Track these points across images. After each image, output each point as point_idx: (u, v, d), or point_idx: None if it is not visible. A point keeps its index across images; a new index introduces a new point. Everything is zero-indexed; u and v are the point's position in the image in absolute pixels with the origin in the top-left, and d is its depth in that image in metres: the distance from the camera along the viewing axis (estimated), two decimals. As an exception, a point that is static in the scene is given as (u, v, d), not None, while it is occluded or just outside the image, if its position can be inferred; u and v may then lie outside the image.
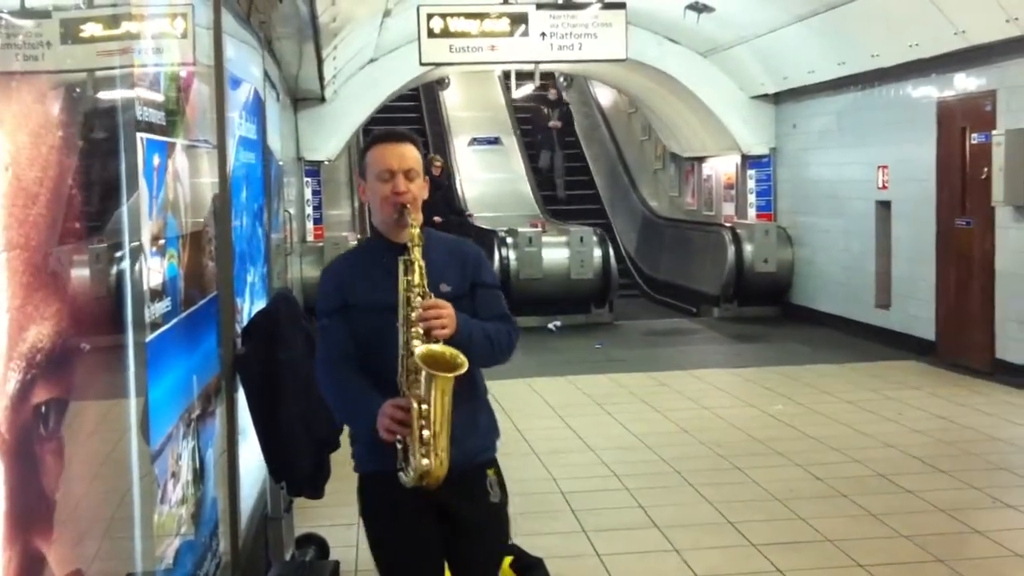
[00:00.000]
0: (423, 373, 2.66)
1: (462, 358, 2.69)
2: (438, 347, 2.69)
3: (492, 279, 3.07)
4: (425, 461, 2.68)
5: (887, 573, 4.64)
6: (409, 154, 2.92)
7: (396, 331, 2.78)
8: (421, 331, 2.71)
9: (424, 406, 2.67)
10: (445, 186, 16.02)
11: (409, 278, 2.76)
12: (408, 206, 2.85)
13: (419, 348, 2.67)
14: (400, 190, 2.87)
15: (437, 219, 15.11)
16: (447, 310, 2.74)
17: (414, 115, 18.80)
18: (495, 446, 3.05)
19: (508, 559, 3.39)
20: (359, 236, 13.09)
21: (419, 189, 2.91)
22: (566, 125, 18.36)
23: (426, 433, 2.67)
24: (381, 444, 2.79)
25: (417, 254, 2.77)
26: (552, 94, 17.69)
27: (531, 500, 5.64)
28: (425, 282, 2.76)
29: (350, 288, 2.93)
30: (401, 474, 2.74)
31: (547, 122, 17.53)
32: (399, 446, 2.73)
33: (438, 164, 15.32)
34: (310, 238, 12.75)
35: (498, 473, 3.02)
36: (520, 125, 18.07)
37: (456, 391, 2.72)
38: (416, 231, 2.80)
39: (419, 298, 2.74)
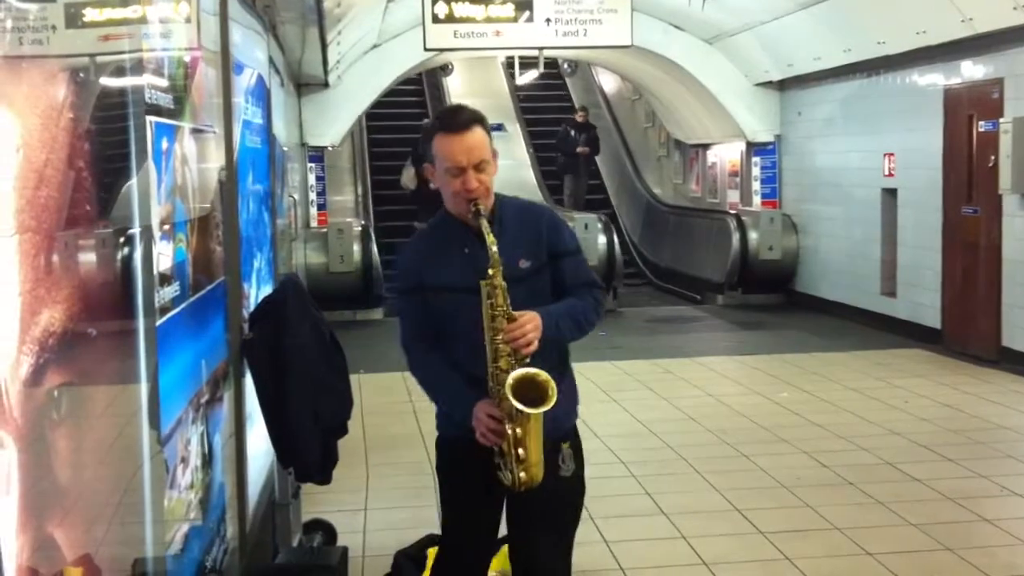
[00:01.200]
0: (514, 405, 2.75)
1: (551, 385, 2.76)
2: (529, 371, 2.77)
3: (572, 243, 3.09)
4: (523, 475, 2.84)
5: (895, 561, 4.63)
6: (477, 144, 2.89)
7: (470, 311, 2.85)
8: (507, 351, 2.80)
9: (518, 431, 2.79)
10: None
11: (492, 302, 2.82)
12: (480, 200, 2.87)
13: (509, 378, 2.75)
14: (471, 187, 2.87)
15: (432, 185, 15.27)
16: (531, 325, 2.80)
17: (417, 99, 18.76)
18: (575, 413, 3.14)
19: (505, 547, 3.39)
20: (363, 222, 13.06)
21: (491, 176, 2.92)
22: (593, 151, 16.86)
23: (521, 452, 2.80)
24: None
25: (499, 280, 2.80)
26: (580, 117, 16.66)
27: (537, 487, 5.63)
28: (508, 303, 2.81)
29: (426, 269, 2.98)
30: (499, 474, 2.87)
31: (575, 147, 16.34)
32: (496, 450, 2.87)
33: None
34: (314, 224, 12.73)
35: (573, 446, 3.09)
36: (537, 151, 17.49)
37: (555, 367, 2.88)
38: (495, 251, 2.81)
39: (504, 320, 2.80)
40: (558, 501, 3.06)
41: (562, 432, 3.04)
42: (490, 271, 2.81)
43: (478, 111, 3.00)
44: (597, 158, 17.72)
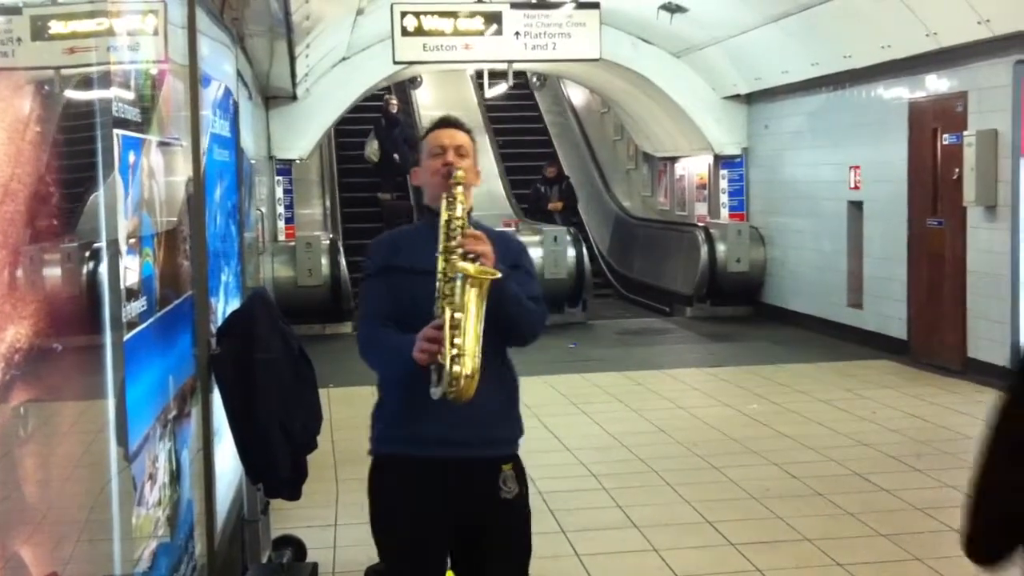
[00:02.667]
0: (457, 282, 2.68)
1: (494, 270, 2.71)
2: (478, 266, 2.71)
3: (532, 268, 3.12)
4: (456, 368, 2.63)
5: (866, 572, 4.65)
6: (459, 135, 3.03)
7: (433, 291, 2.78)
8: (459, 255, 2.74)
9: (457, 314, 2.67)
10: (403, 122, 16.50)
11: (451, 212, 2.81)
12: (452, 167, 2.92)
13: (459, 263, 2.70)
14: (450, 158, 2.96)
15: (396, 156, 15.78)
16: (488, 245, 2.77)
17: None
18: (517, 439, 3.03)
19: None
20: (331, 236, 13.02)
21: (470, 168, 2.97)
22: (569, 203, 15.16)
23: (457, 340, 2.65)
24: (399, 425, 2.89)
25: (460, 191, 2.84)
26: (550, 172, 15.03)
27: (508, 500, 5.61)
28: (467, 218, 2.83)
29: (395, 251, 3.00)
30: (433, 389, 2.70)
31: (546, 203, 14.76)
32: (432, 369, 2.71)
33: (394, 102, 15.99)
34: (281, 237, 12.67)
35: (516, 470, 2.98)
36: (506, 164, 17.01)
37: (494, 374, 2.81)
38: (461, 172, 2.88)
39: (459, 231, 2.79)
40: (507, 532, 2.97)
41: (503, 454, 2.96)
42: (452, 183, 2.84)
43: (464, 122, 3.15)
44: (565, 171, 16.71)
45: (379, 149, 16.21)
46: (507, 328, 2.87)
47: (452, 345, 2.65)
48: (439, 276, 2.76)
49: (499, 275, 2.70)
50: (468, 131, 3.09)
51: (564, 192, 15.08)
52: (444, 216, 2.81)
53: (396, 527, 2.97)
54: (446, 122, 3.10)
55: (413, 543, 2.95)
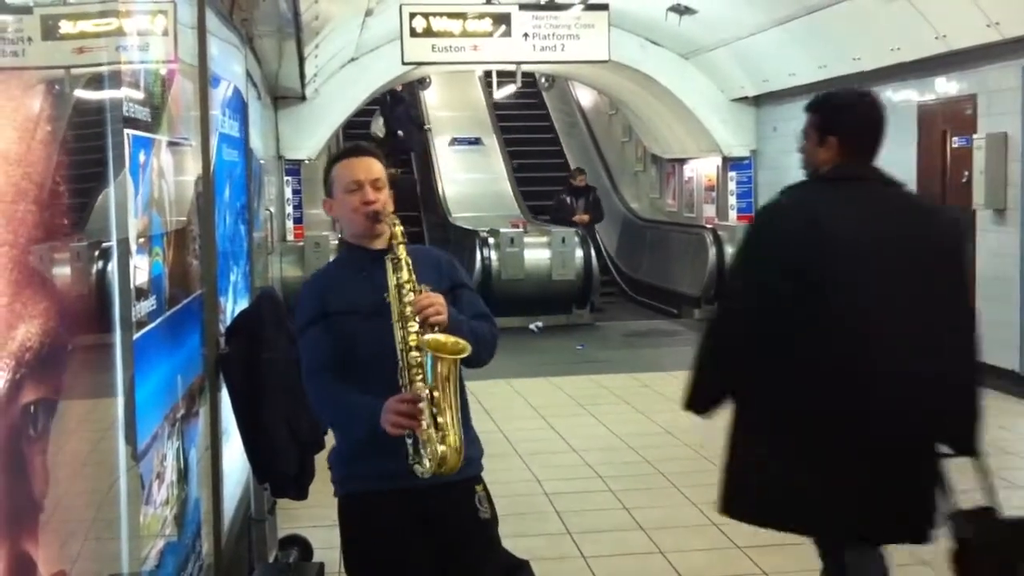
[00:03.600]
0: (429, 360, 2.63)
1: (464, 342, 2.66)
2: (440, 336, 2.66)
3: (469, 280, 3.07)
4: (442, 448, 2.60)
5: (871, 575, 4.63)
6: (374, 166, 2.93)
7: (379, 333, 2.74)
8: (417, 324, 2.68)
9: (435, 393, 2.62)
10: (406, 100, 16.61)
11: (399, 275, 2.74)
12: (380, 212, 2.85)
13: (424, 336, 2.64)
14: (369, 199, 2.86)
15: (400, 133, 16.12)
16: (440, 299, 2.72)
17: (402, 155, 18.73)
18: (480, 462, 2.98)
19: None
20: (339, 235, 13.04)
21: (387, 199, 2.90)
22: (595, 217, 14.44)
23: (440, 419, 2.61)
24: (366, 461, 2.80)
25: (402, 252, 2.76)
26: (580, 181, 14.43)
27: (516, 502, 5.61)
28: (414, 277, 2.74)
29: (329, 296, 2.89)
30: (416, 467, 2.65)
31: (572, 215, 14.03)
32: (408, 441, 2.66)
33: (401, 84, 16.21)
34: (290, 237, 12.69)
35: (486, 490, 2.96)
36: (514, 165, 17.13)
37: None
38: (399, 228, 2.79)
39: (411, 293, 2.71)
40: (485, 546, 2.94)
41: (475, 474, 2.92)
42: (393, 243, 2.77)
43: (376, 149, 3.07)
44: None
45: (384, 126, 16.43)
46: (464, 362, 2.80)
47: (436, 427, 2.61)
48: (399, 345, 2.69)
49: (469, 351, 2.66)
50: (378, 156, 3.00)
51: (591, 204, 14.36)
52: (392, 281, 2.74)
53: (374, 567, 2.91)
54: (357, 150, 2.99)
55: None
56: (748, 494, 3.25)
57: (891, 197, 3.16)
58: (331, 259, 3.16)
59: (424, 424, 2.61)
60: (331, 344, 2.84)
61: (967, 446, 3.20)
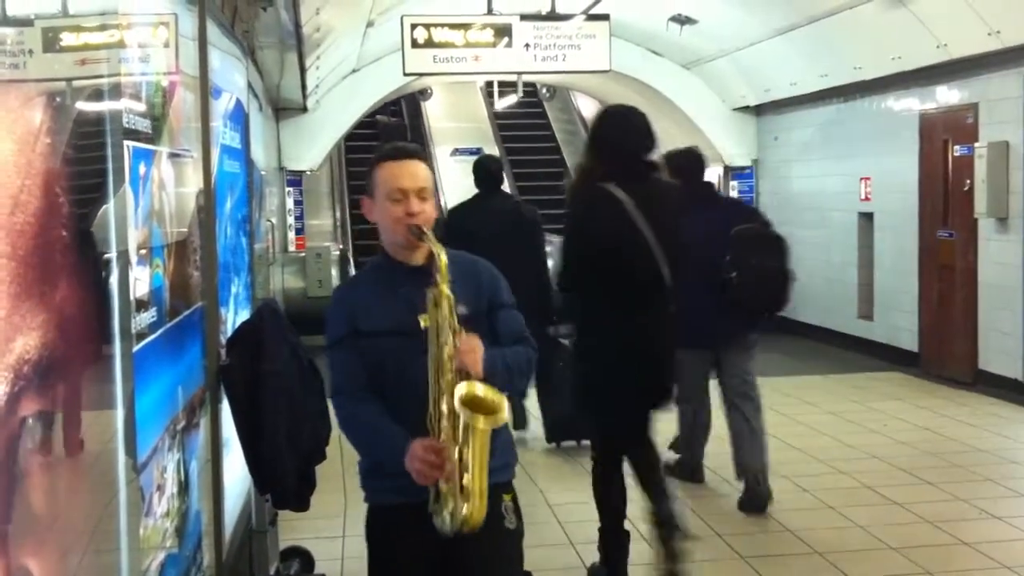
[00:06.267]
0: (462, 419, 2.56)
1: (502, 401, 2.59)
2: (479, 389, 2.59)
3: (509, 298, 2.96)
4: (466, 509, 2.57)
5: (875, 585, 4.62)
6: (421, 173, 2.81)
7: (412, 357, 2.68)
8: (452, 368, 2.61)
9: (465, 450, 2.56)
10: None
11: (439, 312, 2.64)
12: (423, 227, 2.74)
13: (460, 389, 2.57)
14: (414, 211, 2.75)
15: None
16: (481, 347, 2.65)
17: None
18: (512, 469, 2.94)
19: None
20: (341, 247, 13.03)
21: (432, 209, 2.80)
22: None
23: (465, 479, 2.56)
24: (389, 476, 2.74)
25: (445, 288, 2.65)
26: None
27: (517, 512, 5.60)
28: (455, 317, 2.65)
29: (360, 313, 2.82)
30: (436, 519, 2.63)
31: None
32: (431, 490, 2.64)
33: None
34: (292, 248, 12.69)
35: (515, 500, 2.89)
36: (516, 176, 17.02)
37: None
38: (444, 260, 2.67)
39: (450, 333, 2.63)
40: (508, 557, 2.87)
41: (502, 480, 2.86)
42: (437, 276, 2.65)
43: (422, 150, 2.95)
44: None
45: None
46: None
47: (461, 488, 2.57)
48: (432, 389, 2.61)
49: (504, 420, 2.59)
50: (424, 158, 2.86)
51: None
52: (432, 317, 2.64)
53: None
54: (404, 153, 2.84)
55: None
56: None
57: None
58: (367, 266, 3.01)
59: (449, 482, 2.57)
60: (361, 364, 2.79)
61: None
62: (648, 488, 4.65)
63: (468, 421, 2.55)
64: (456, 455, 2.58)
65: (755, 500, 5.66)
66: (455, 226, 6.63)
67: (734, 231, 5.71)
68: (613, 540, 4.68)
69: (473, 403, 2.57)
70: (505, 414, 2.60)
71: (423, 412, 2.66)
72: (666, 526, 4.58)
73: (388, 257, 2.89)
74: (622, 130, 4.57)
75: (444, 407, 2.61)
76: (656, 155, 4.67)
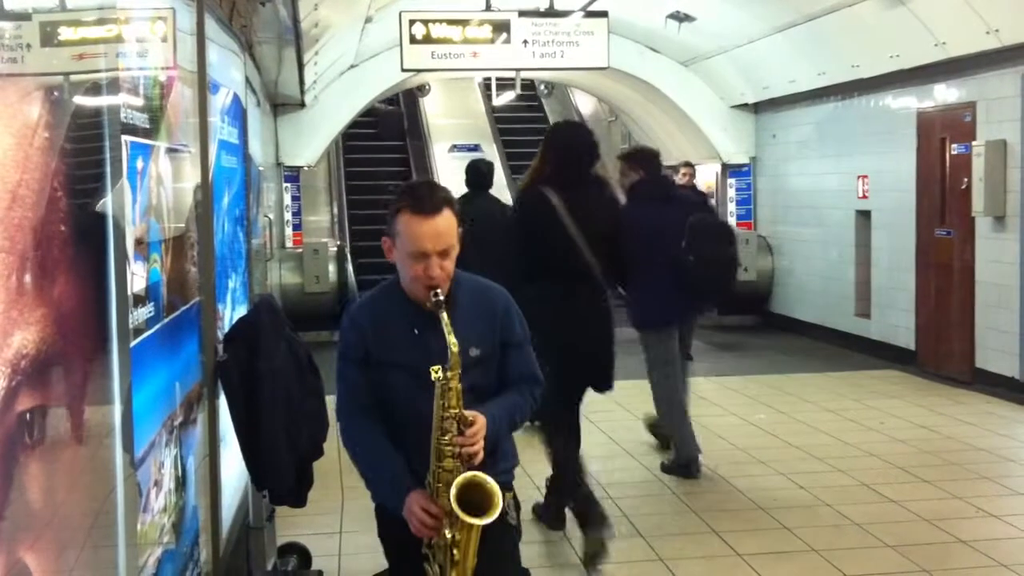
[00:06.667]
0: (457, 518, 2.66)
1: (497, 494, 2.65)
2: (478, 476, 2.67)
3: (522, 333, 2.97)
4: (454, 574, 2.70)
5: (872, 583, 4.62)
6: (446, 229, 2.74)
7: (418, 399, 2.75)
8: (454, 452, 2.69)
9: (457, 535, 2.67)
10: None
11: (444, 402, 2.68)
12: (441, 288, 2.74)
13: (455, 483, 2.64)
14: (434, 275, 2.73)
15: None
16: (481, 433, 2.70)
17: (397, 141, 18.75)
18: (514, 472, 3.03)
19: None
20: (338, 243, 13.02)
21: (452, 263, 2.78)
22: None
23: (456, 554, 2.68)
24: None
25: (455, 383, 2.67)
26: (684, 177, 11.00)
27: (514, 509, 5.60)
28: (461, 405, 2.69)
29: (373, 341, 2.85)
30: (427, 567, 2.75)
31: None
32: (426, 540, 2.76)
33: None
34: (289, 244, 12.68)
35: (516, 500, 2.98)
36: (513, 172, 17.03)
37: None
38: (456, 351, 2.66)
39: (454, 422, 2.68)
40: (510, 549, 2.97)
41: (503, 480, 2.89)
42: (448, 372, 2.66)
43: (449, 192, 2.86)
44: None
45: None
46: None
47: (452, 562, 2.69)
48: (433, 463, 2.71)
49: (496, 514, 2.65)
50: (452, 206, 2.77)
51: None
52: (437, 405, 2.69)
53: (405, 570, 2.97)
54: (431, 207, 2.73)
55: None
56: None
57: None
58: (383, 287, 3.00)
59: (441, 549, 2.70)
60: (370, 387, 2.86)
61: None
62: (567, 463, 5.28)
63: (463, 521, 2.65)
64: (449, 537, 2.69)
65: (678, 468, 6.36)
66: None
67: (690, 221, 6.30)
68: (555, 483, 5.34)
69: (470, 489, 2.66)
70: (498, 509, 2.65)
71: (426, 440, 2.73)
72: (580, 499, 5.17)
73: (406, 295, 2.87)
74: (566, 143, 5.23)
75: (442, 481, 2.70)
76: (600, 165, 5.38)
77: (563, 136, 5.34)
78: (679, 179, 10.66)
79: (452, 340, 2.66)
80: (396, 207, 2.79)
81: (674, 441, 6.51)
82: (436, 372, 2.66)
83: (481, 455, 2.71)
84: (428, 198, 2.77)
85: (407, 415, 2.83)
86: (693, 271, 6.18)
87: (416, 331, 2.82)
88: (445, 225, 2.75)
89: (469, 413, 2.70)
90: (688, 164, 11.49)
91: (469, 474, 2.67)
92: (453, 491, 2.63)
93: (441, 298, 2.72)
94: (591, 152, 5.24)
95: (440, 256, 2.74)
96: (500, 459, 2.90)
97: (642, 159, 6.56)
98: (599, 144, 5.33)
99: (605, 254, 5.17)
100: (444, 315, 2.70)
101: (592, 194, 5.19)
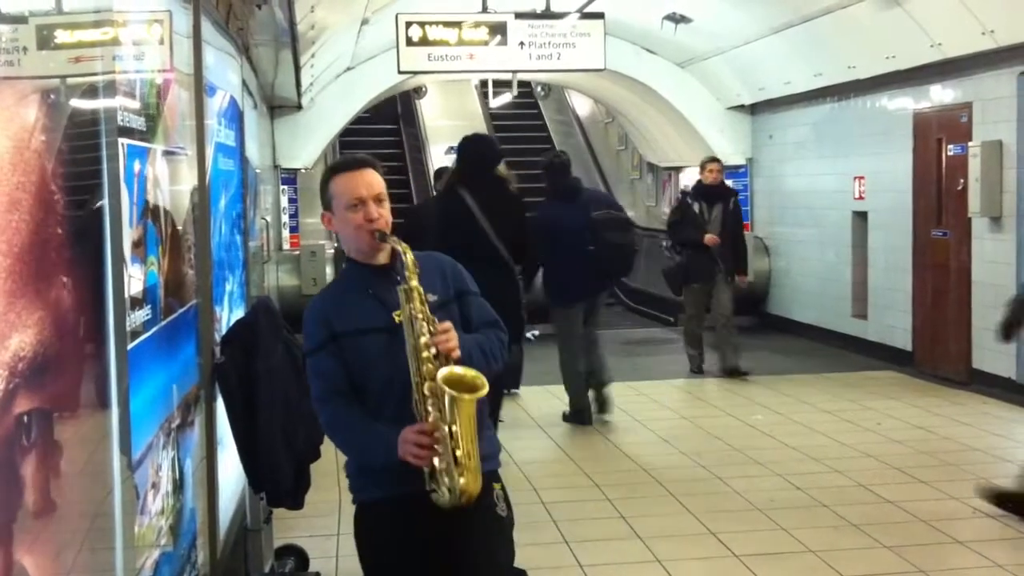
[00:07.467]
0: (447, 397, 2.63)
1: (482, 378, 2.67)
2: (458, 369, 2.69)
3: (474, 286, 3.06)
4: (463, 480, 2.65)
5: (869, 583, 4.63)
6: (375, 180, 2.90)
7: (390, 354, 2.76)
8: (431, 354, 2.69)
9: (454, 427, 2.64)
10: None
11: (411, 306, 2.73)
12: (384, 231, 2.84)
13: (441, 372, 2.66)
14: (373, 216, 2.84)
15: None
16: (454, 331, 2.74)
17: (391, 124, 18.75)
18: (498, 459, 3.01)
19: None
20: (335, 245, 13.02)
21: (389, 213, 2.90)
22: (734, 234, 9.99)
23: (459, 453, 2.64)
24: (384, 470, 2.79)
25: (414, 282, 2.75)
26: (711, 173, 9.84)
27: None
28: (427, 307, 2.75)
29: (335, 317, 2.87)
30: (434, 496, 2.70)
31: (703, 232, 9.61)
32: (426, 470, 2.70)
33: None
34: (286, 246, 12.68)
35: (504, 491, 2.97)
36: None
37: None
38: (411, 257, 2.77)
39: (424, 323, 2.72)
40: (503, 543, 2.94)
41: (491, 469, 2.91)
42: (406, 273, 2.76)
43: (374, 159, 3.01)
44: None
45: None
46: None
47: (456, 462, 2.64)
48: (414, 378, 2.70)
49: (486, 389, 2.67)
50: (377, 166, 2.95)
51: (731, 215, 9.71)
52: (406, 312, 2.73)
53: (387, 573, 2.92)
54: (356, 163, 2.93)
55: None
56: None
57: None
58: (332, 279, 3.11)
59: (443, 459, 2.65)
60: (341, 368, 2.84)
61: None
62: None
63: (453, 397, 2.63)
64: (447, 431, 2.65)
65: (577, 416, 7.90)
66: (425, 216, 7.84)
67: (592, 216, 7.66)
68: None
69: (455, 383, 2.65)
70: (486, 388, 2.67)
71: (407, 407, 2.73)
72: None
73: (354, 263, 2.98)
74: (476, 152, 6.66)
75: (427, 390, 2.69)
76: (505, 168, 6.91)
77: (473, 146, 6.73)
78: (704, 176, 9.86)
79: (404, 247, 2.79)
80: (324, 180, 2.97)
81: (570, 395, 7.94)
82: (398, 316, 2.77)
83: (457, 352, 2.71)
84: (352, 159, 2.98)
85: (383, 380, 2.81)
86: (596, 258, 7.54)
87: (371, 291, 2.87)
88: (374, 177, 2.91)
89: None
90: (713, 159, 10.12)
91: (450, 367, 2.68)
92: (440, 376, 2.64)
93: (385, 231, 2.84)
94: (494, 158, 6.70)
95: (376, 202, 2.86)
96: (486, 440, 2.85)
97: (547, 168, 8.05)
98: (501, 152, 6.85)
99: (509, 239, 6.47)
100: (391, 238, 2.83)
101: (496, 192, 6.55)
